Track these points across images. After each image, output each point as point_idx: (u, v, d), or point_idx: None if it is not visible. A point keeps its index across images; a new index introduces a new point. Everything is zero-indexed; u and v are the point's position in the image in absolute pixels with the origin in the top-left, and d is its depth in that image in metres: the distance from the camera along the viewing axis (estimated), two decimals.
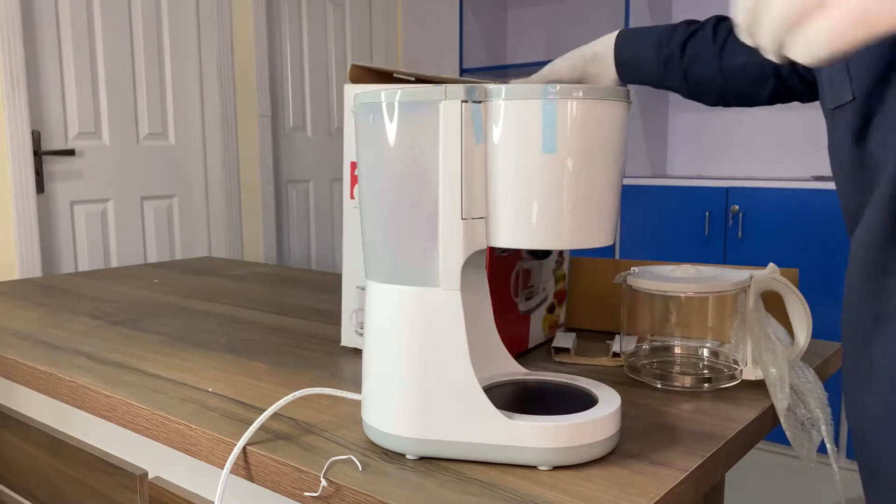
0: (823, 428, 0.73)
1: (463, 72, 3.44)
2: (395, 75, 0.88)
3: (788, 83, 0.83)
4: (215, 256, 1.94)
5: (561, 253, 0.96)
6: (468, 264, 0.67)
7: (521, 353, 0.91)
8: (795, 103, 3.08)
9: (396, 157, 0.59)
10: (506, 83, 0.65)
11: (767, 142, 3.14)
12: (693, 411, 0.72)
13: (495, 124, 0.57)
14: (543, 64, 3.32)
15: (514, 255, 0.87)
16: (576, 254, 3.19)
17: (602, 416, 0.60)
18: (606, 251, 3.03)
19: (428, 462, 0.61)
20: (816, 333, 2.60)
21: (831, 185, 2.55)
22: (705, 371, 0.80)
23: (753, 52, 0.83)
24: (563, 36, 3.48)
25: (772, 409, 0.73)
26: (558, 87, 0.56)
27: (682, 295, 0.78)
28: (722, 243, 2.78)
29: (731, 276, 0.80)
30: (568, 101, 0.56)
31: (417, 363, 0.60)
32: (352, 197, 0.89)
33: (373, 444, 0.64)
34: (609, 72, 0.91)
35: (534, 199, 0.57)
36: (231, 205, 3.00)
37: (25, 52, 2.42)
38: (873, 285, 0.61)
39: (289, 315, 1.14)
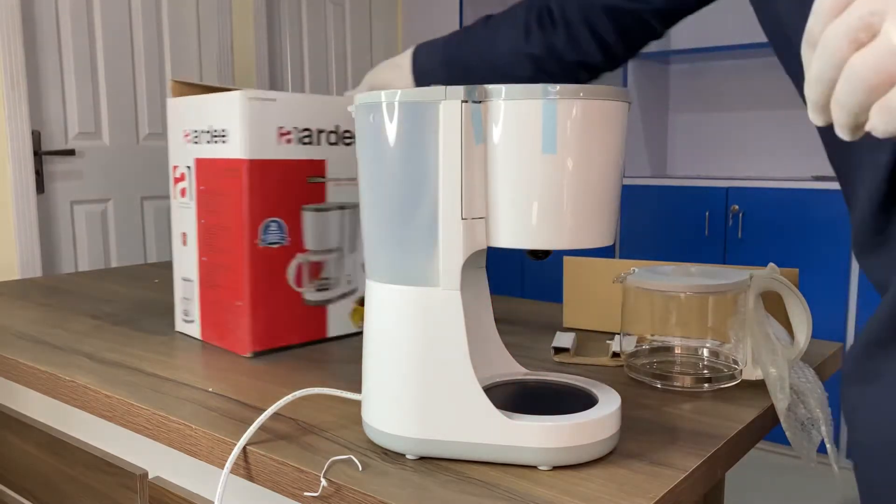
0: (823, 428, 0.73)
1: None
2: (212, 88, 0.99)
3: (546, 68, 0.92)
4: None
5: None
6: (468, 264, 0.67)
7: (317, 340, 0.98)
8: (796, 104, 3.08)
9: (396, 157, 0.59)
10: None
11: (767, 142, 3.14)
12: (693, 411, 0.72)
13: (495, 124, 0.57)
14: None
15: (289, 247, 0.94)
16: (575, 254, 3.19)
17: (602, 416, 0.60)
18: (606, 251, 3.03)
19: (428, 462, 0.61)
20: (816, 333, 2.60)
21: (831, 185, 2.56)
22: (705, 371, 0.80)
23: (511, 40, 0.92)
24: None
25: (772, 409, 0.73)
26: (558, 87, 0.56)
27: (682, 295, 0.78)
28: (722, 243, 2.78)
29: (731, 276, 0.80)
30: (568, 101, 0.56)
31: (417, 363, 0.60)
32: (183, 196, 1.01)
33: (373, 443, 0.64)
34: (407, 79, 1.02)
35: (534, 199, 0.57)
36: None
37: (25, 52, 2.42)
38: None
39: None
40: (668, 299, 0.79)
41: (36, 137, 2.46)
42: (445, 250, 0.59)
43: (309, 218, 0.95)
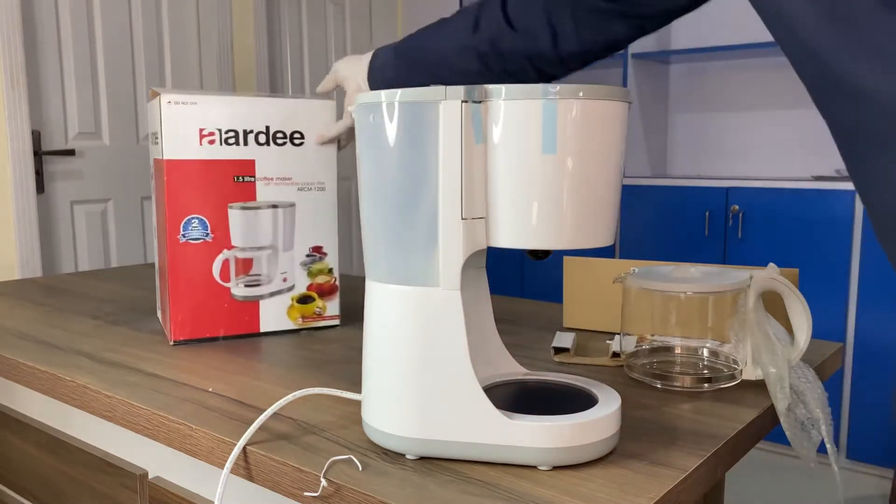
0: (823, 428, 0.73)
1: None
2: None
3: (491, 66, 0.92)
4: None
5: (320, 249, 1.04)
6: (468, 264, 0.67)
7: (249, 334, 1.01)
8: (796, 104, 3.08)
9: (396, 157, 0.59)
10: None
11: (767, 142, 3.14)
12: (693, 411, 0.72)
13: (495, 124, 0.57)
14: None
15: (212, 243, 0.97)
16: (575, 254, 3.19)
17: (602, 416, 0.60)
18: (606, 251, 3.03)
19: (428, 462, 0.61)
20: (816, 333, 2.60)
21: (831, 185, 2.55)
22: (705, 371, 0.80)
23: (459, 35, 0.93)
24: None
25: (772, 409, 0.73)
26: (558, 87, 0.56)
27: (682, 295, 0.78)
28: (722, 243, 2.78)
29: (731, 276, 0.80)
30: (568, 101, 0.56)
31: (417, 363, 0.60)
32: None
33: (373, 444, 0.64)
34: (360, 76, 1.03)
35: (534, 199, 0.57)
36: None
37: (25, 52, 2.42)
38: None
39: None
40: (668, 299, 0.79)
41: (36, 137, 2.46)
42: (445, 250, 0.59)
43: (235, 216, 0.98)
